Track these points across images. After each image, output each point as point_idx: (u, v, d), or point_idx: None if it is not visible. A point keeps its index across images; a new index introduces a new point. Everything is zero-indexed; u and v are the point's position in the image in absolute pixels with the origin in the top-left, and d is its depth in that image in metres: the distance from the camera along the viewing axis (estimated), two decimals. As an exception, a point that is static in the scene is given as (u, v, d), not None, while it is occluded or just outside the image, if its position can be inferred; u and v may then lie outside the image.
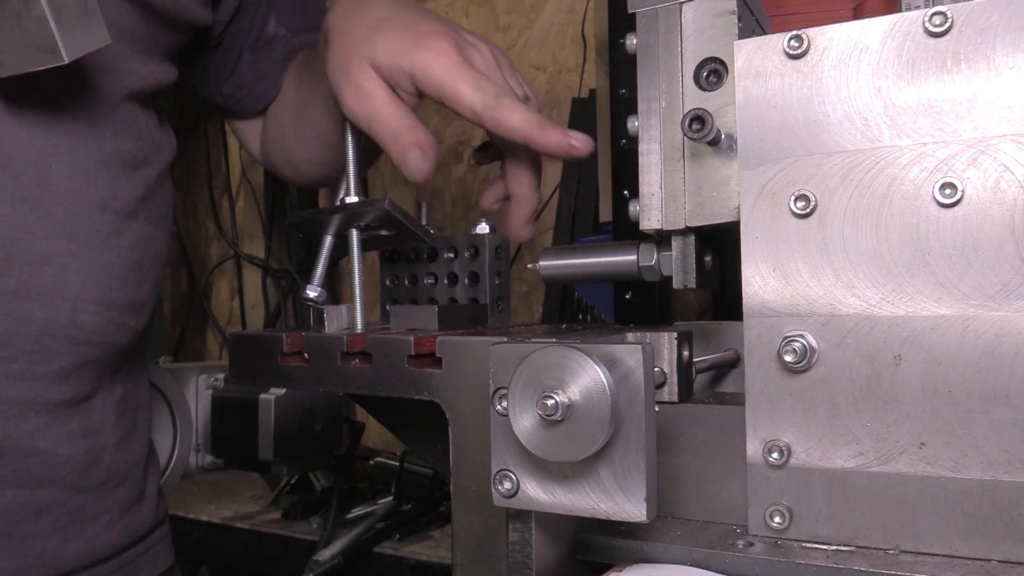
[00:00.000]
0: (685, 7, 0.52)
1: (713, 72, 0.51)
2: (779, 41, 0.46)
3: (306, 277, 1.86)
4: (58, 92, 0.58)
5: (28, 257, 0.55)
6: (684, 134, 0.49)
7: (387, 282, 0.73)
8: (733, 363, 0.59)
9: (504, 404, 0.42)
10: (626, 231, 1.00)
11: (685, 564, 0.45)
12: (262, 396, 1.10)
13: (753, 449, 0.46)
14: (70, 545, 0.61)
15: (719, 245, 0.58)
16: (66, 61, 0.44)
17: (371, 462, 1.41)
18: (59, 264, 0.57)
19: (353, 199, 0.66)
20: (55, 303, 0.57)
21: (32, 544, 0.59)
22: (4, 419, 0.56)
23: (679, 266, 0.54)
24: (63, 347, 0.58)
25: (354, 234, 0.64)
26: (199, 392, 1.14)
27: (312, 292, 0.62)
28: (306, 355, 0.57)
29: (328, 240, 0.65)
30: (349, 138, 0.68)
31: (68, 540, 0.61)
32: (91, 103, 0.60)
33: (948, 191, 0.42)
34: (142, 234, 0.65)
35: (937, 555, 0.42)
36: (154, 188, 0.67)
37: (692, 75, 0.52)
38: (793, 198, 0.45)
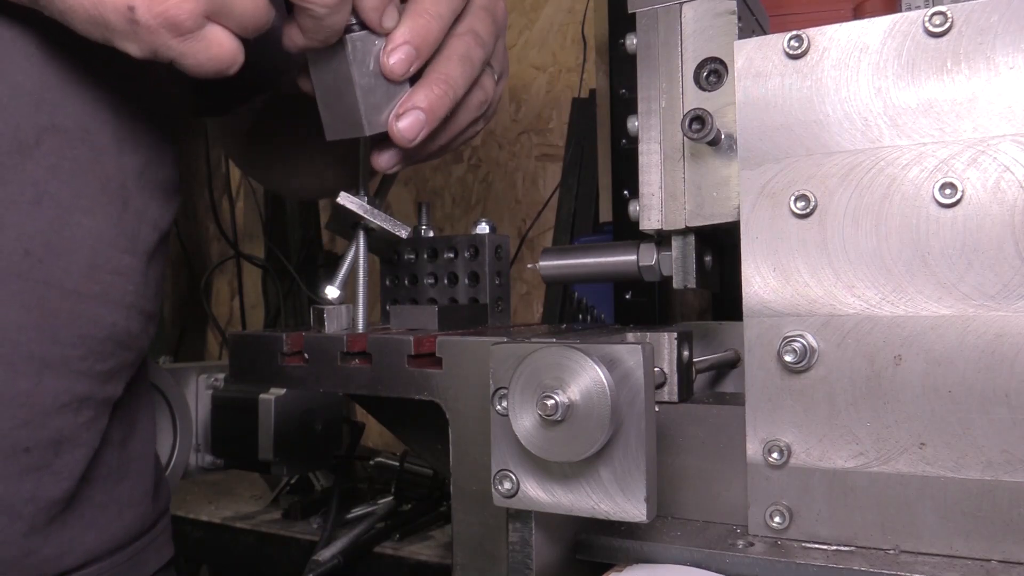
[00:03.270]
0: (685, 7, 0.52)
1: (713, 72, 0.51)
2: (779, 41, 0.46)
3: (306, 277, 1.86)
4: (138, 117, 0.63)
5: (108, 267, 0.61)
6: (684, 134, 0.49)
7: (387, 282, 0.73)
8: (733, 363, 0.59)
9: (504, 404, 0.42)
10: (626, 231, 1.00)
11: (685, 564, 0.45)
12: (262, 396, 1.10)
13: (753, 449, 0.46)
14: (88, 534, 0.63)
15: (719, 245, 0.58)
16: (366, 134, 0.58)
17: (371, 462, 1.41)
18: (126, 276, 0.62)
19: (349, 198, 0.65)
20: (119, 311, 0.62)
21: (64, 533, 0.61)
22: (67, 411, 0.60)
23: (679, 266, 0.54)
24: (116, 350, 0.62)
25: (360, 234, 0.64)
26: (199, 392, 1.14)
27: (332, 294, 0.62)
28: (306, 355, 0.57)
29: (353, 242, 0.65)
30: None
31: (88, 528, 0.63)
32: (162, 132, 0.65)
33: (948, 191, 0.42)
34: (168, 251, 0.71)
35: (937, 555, 0.42)
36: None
37: (692, 75, 0.52)
38: (793, 198, 0.45)
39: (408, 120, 0.57)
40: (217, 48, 0.50)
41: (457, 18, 0.61)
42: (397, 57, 0.56)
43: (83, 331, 0.59)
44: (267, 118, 0.86)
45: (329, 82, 0.58)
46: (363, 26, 0.55)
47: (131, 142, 0.63)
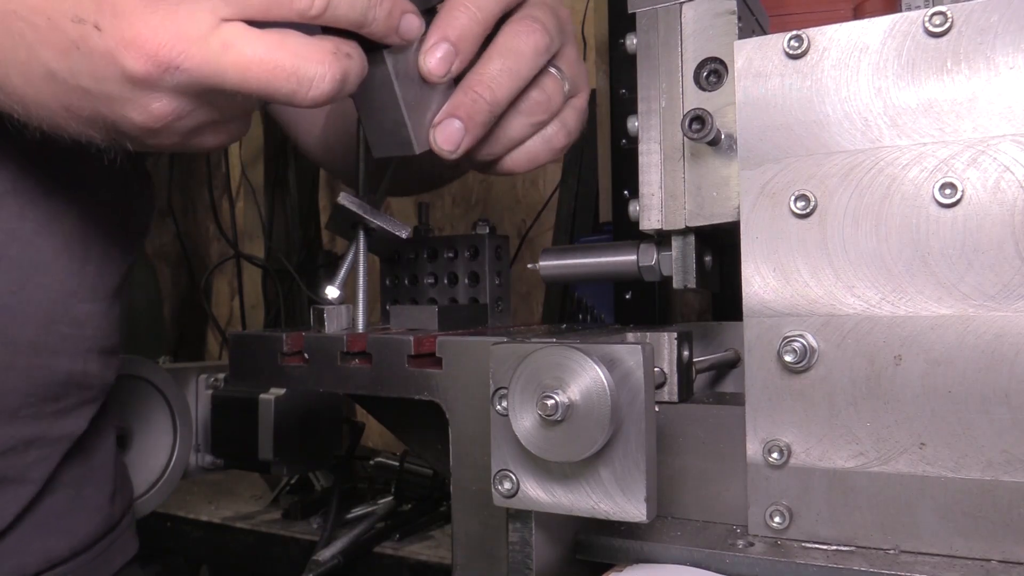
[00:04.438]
0: (685, 7, 0.52)
1: (713, 72, 0.51)
2: (779, 41, 0.46)
3: (306, 277, 1.87)
4: (103, 164, 0.60)
5: (67, 319, 0.60)
6: (684, 134, 0.49)
7: (387, 282, 0.73)
8: (733, 363, 0.59)
9: (504, 404, 0.42)
10: (626, 231, 1.00)
11: (685, 564, 0.45)
12: (262, 396, 1.10)
13: (753, 449, 0.46)
14: (50, 540, 0.63)
15: (719, 245, 0.58)
16: (416, 152, 0.54)
17: (371, 462, 1.41)
18: (86, 323, 0.61)
19: (349, 198, 0.65)
20: (77, 357, 0.61)
21: (25, 541, 0.61)
22: (11, 454, 0.59)
23: (679, 266, 0.54)
24: (72, 391, 0.62)
25: (360, 234, 0.64)
26: (199, 392, 1.14)
27: (332, 294, 0.61)
28: (306, 355, 0.57)
29: (353, 242, 0.65)
30: (361, 133, 0.67)
31: (50, 535, 0.63)
32: (132, 167, 0.63)
33: (948, 191, 0.42)
34: (130, 277, 0.70)
35: (937, 555, 0.42)
36: None
37: (692, 75, 0.52)
38: (793, 198, 0.45)
39: (445, 131, 0.52)
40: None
41: (510, 13, 0.55)
42: (434, 58, 0.51)
43: (36, 381, 0.59)
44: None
45: (372, 98, 0.53)
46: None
47: (95, 189, 0.61)
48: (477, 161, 0.57)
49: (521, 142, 0.58)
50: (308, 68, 0.44)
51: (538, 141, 0.58)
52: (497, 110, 0.54)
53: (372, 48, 0.50)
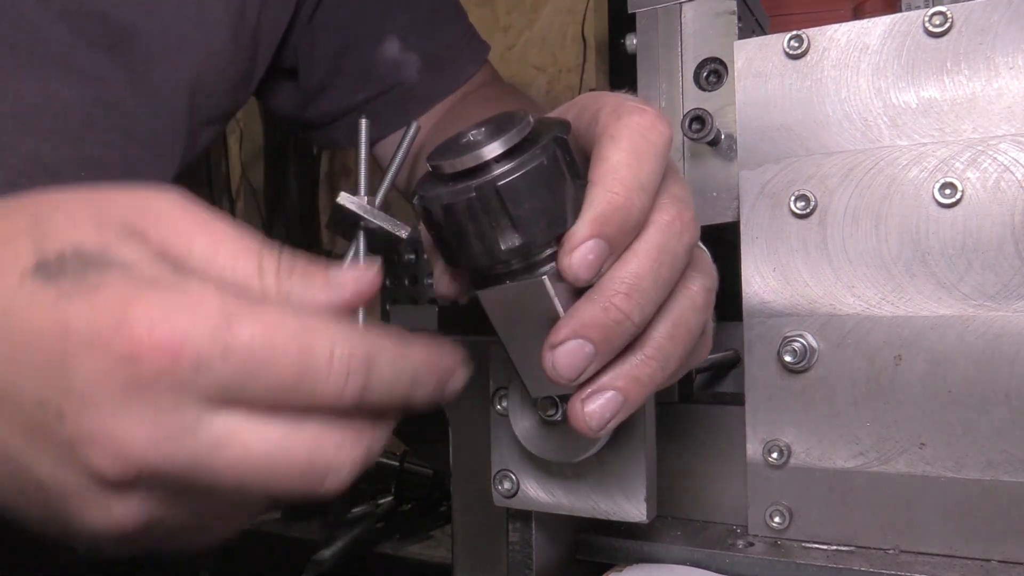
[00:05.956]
0: (685, 7, 0.52)
1: (713, 72, 0.51)
2: (779, 41, 0.46)
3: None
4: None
5: None
6: (684, 134, 0.49)
7: (387, 282, 0.73)
8: (733, 363, 0.59)
9: (504, 404, 0.42)
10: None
11: (685, 564, 0.45)
12: (262, 396, 1.10)
13: (753, 449, 0.46)
14: None
15: (719, 245, 0.58)
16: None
17: (371, 462, 1.41)
18: None
19: (349, 198, 0.65)
20: None
21: None
22: None
23: (679, 266, 0.54)
24: None
25: (360, 234, 0.64)
26: (199, 392, 1.14)
27: None
28: (306, 355, 0.57)
29: (353, 242, 0.65)
30: (363, 134, 0.67)
31: None
32: None
33: (948, 191, 0.42)
34: None
35: (937, 555, 0.42)
36: None
37: (692, 75, 0.52)
38: (793, 198, 0.45)
39: (563, 352, 0.36)
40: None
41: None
42: (580, 258, 0.36)
43: None
44: None
45: (525, 329, 0.39)
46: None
47: None
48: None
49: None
50: (325, 457, 0.35)
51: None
52: (638, 327, 0.39)
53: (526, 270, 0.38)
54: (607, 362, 0.37)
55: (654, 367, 0.38)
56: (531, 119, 0.37)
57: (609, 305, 0.36)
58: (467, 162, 0.36)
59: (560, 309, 0.37)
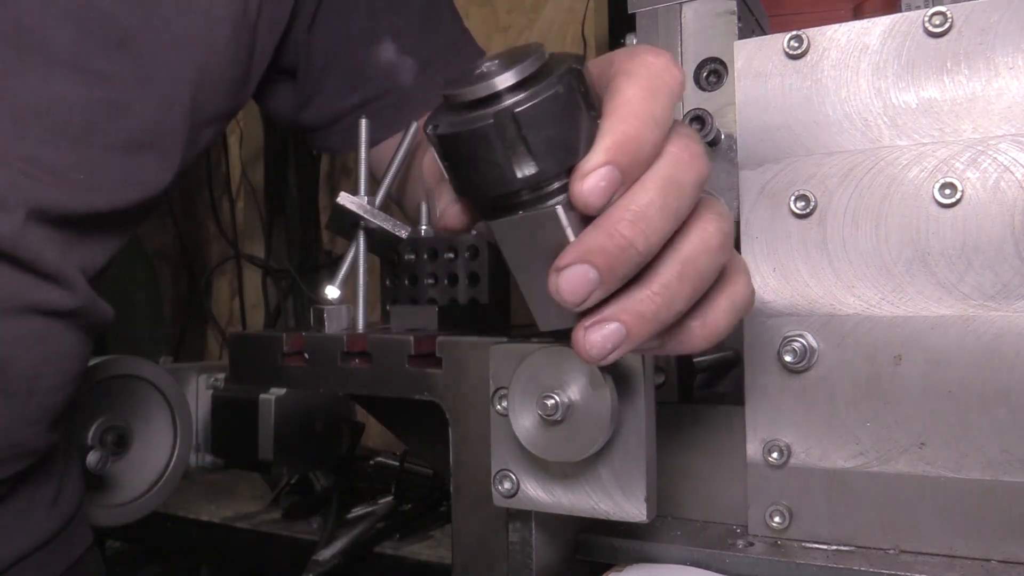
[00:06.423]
0: (685, 7, 0.52)
1: (713, 72, 0.51)
2: (779, 41, 0.46)
3: (305, 277, 1.86)
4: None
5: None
6: (684, 134, 0.49)
7: (387, 282, 0.73)
8: (733, 363, 0.59)
9: (504, 404, 0.42)
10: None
11: (685, 564, 0.45)
12: (262, 396, 1.10)
13: (753, 449, 0.46)
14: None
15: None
16: None
17: (371, 462, 1.41)
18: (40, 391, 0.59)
19: (349, 198, 0.65)
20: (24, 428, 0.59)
21: None
22: None
23: (679, 266, 0.54)
24: (11, 462, 0.60)
25: (360, 234, 0.64)
26: (199, 392, 1.14)
27: (332, 294, 0.61)
28: (306, 355, 0.57)
29: (353, 242, 0.65)
30: (363, 135, 0.67)
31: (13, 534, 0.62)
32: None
33: (948, 191, 0.42)
34: None
35: (937, 555, 0.42)
36: None
37: (692, 75, 0.52)
38: (793, 198, 0.45)
39: (568, 276, 0.36)
40: None
41: None
42: (592, 184, 0.36)
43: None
44: None
45: (535, 260, 0.39)
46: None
47: None
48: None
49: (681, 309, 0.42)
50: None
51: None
52: (643, 255, 0.39)
53: (537, 201, 0.38)
54: (612, 292, 0.37)
55: (659, 303, 0.37)
56: (545, 51, 0.37)
57: (614, 231, 0.36)
58: (482, 90, 0.35)
59: (572, 238, 0.38)
